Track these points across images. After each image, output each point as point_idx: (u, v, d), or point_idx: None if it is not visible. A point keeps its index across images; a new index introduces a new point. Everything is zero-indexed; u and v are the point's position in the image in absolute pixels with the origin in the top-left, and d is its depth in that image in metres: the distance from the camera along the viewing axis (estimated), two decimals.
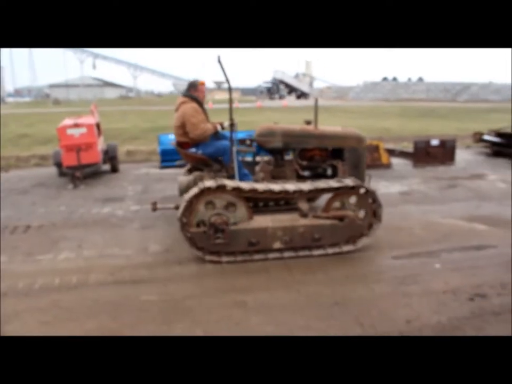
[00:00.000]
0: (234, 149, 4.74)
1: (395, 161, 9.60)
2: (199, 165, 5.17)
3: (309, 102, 39.56)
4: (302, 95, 51.66)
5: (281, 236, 4.31)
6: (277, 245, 4.34)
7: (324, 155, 5.19)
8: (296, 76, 55.60)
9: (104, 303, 3.54)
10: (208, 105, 29.04)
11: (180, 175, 5.43)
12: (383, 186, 7.33)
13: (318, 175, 5.19)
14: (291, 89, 52.06)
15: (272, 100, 44.92)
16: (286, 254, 4.35)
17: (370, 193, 4.40)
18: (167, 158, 9.22)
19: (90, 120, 8.28)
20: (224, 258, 4.26)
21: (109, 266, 4.23)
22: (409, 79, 55.34)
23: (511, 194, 6.87)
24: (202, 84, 5.22)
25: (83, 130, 7.79)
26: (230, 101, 4.65)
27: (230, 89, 4.66)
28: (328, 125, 5.41)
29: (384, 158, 9.15)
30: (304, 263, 4.24)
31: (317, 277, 3.94)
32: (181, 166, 6.22)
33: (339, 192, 4.42)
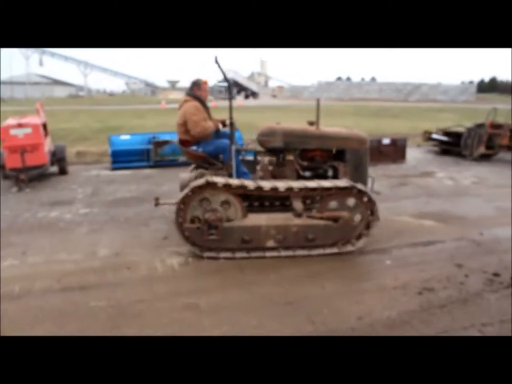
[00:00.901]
0: (233, 147, 4.77)
1: None
2: (200, 163, 5.23)
3: (261, 102, 39.79)
4: (251, 94, 51.51)
5: (274, 234, 4.37)
6: (270, 243, 4.40)
7: (324, 156, 5.16)
8: (252, 75, 55.64)
9: (50, 310, 3.41)
10: (161, 106, 28.74)
11: (181, 172, 5.49)
12: None
13: (318, 176, 5.14)
14: (240, 89, 52.07)
15: (224, 100, 44.77)
16: (283, 253, 4.41)
17: (364, 194, 4.43)
18: (119, 159, 9.06)
19: (35, 120, 7.97)
20: (222, 254, 4.36)
21: (56, 272, 4.08)
22: (363, 79, 56.87)
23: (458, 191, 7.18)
24: (205, 83, 5.29)
25: (28, 130, 7.49)
26: (230, 100, 4.70)
27: (229, 90, 4.77)
28: (331, 126, 5.36)
29: None
30: (257, 263, 4.25)
31: (270, 277, 3.96)
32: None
33: (333, 193, 4.44)
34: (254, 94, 51.67)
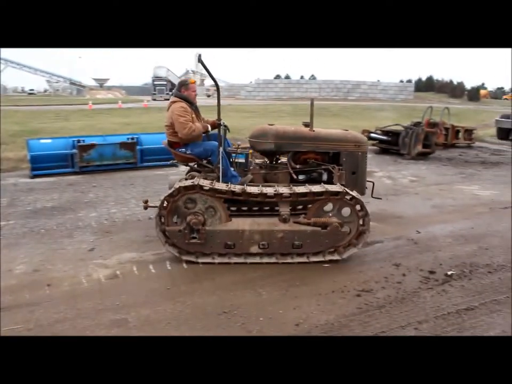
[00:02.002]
0: (221, 149, 4.78)
1: None
2: (190, 165, 5.29)
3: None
4: None
5: (258, 240, 4.37)
6: (255, 249, 4.40)
7: (319, 159, 5.15)
8: (186, 73, 55.10)
9: None
10: (88, 107, 27.86)
11: (171, 174, 5.43)
12: None
13: (312, 179, 5.11)
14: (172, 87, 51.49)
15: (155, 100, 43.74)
16: (265, 259, 4.43)
17: (356, 201, 4.40)
18: (39, 165, 8.66)
19: None
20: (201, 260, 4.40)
21: None
22: (302, 77, 57.98)
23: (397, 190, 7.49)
24: (193, 82, 5.35)
25: None
26: (218, 101, 4.73)
27: (218, 90, 4.73)
28: (330, 128, 5.35)
29: None
30: (189, 272, 4.24)
31: (204, 286, 3.94)
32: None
33: (323, 198, 4.42)
34: None
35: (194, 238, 4.34)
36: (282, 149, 5.09)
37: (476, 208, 6.74)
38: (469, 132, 14.34)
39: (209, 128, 5.22)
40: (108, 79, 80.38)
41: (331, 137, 5.10)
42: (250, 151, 5.26)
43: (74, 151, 8.76)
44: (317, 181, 4.95)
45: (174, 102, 5.11)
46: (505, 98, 59.30)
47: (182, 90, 5.21)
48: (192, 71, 58.83)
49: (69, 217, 5.92)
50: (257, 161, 5.35)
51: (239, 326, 3.30)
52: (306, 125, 5.22)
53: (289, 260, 4.43)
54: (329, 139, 5.07)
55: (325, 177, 5.09)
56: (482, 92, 61.62)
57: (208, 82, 58.41)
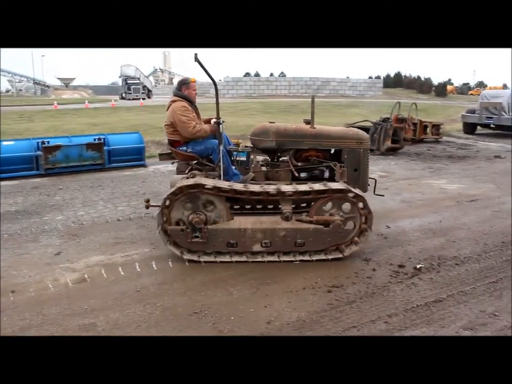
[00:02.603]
0: (221, 147, 4.76)
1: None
2: (192, 164, 5.22)
3: (165, 101, 39.30)
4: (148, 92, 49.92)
5: (261, 238, 4.38)
6: (257, 247, 4.41)
7: (320, 156, 5.14)
8: (154, 72, 54.48)
9: None
10: (53, 107, 27.32)
11: (173, 174, 5.45)
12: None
13: (314, 177, 5.13)
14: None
15: (130, 100, 43.08)
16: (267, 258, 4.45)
17: (359, 199, 4.44)
18: (2, 168, 8.42)
19: None
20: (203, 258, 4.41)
21: None
22: (271, 74, 58.16)
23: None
24: (194, 81, 5.32)
25: None
26: (217, 99, 4.73)
27: (216, 89, 4.70)
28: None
29: None
30: (159, 274, 4.20)
31: (174, 287, 3.92)
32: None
33: (325, 196, 4.45)
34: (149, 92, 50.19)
35: (196, 236, 4.35)
36: (283, 147, 5.10)
37: (443, 202, 6.90)
38: (436, 127, 14.64)
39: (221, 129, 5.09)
40: (74, 79, 78.87)
41: (333, 135, 5.10)
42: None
43: (39, 152, 8.56)
44: (319, 179, 5.02)
45: (174, 101, 5.13)
46: (471, 94, 60.90)
47: (182, 89, 5.23)
48: (160, 69, 58.33)
49: (34, 221, 5.78)
50: (258, 158, 5.37)
51: (210, 326, 3.29)
52: (307, 122, 5.23)
53: (291, 258, 4.45)
54: (330, 136, 5.07)
55: (326, 174, 5.14)
56: (449, 87, 63.04)
57: (177, 80, 57.88)
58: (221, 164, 4.74)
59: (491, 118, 16.47)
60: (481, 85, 75.39)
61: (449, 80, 73.10)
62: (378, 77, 59.55)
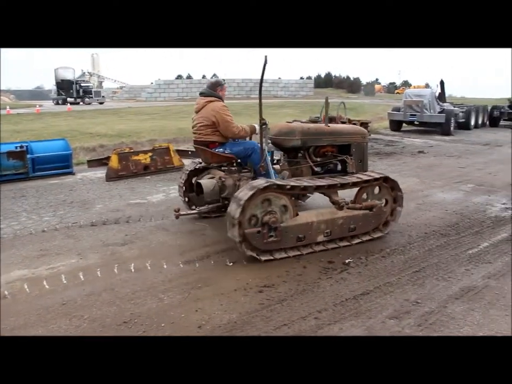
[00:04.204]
0: (265, 147, 4.93)
1: (189, 161, 9.88)
2: (223, 165, 5.43)
3: (93, 106, 38.19)
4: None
5: (323, 229, 4.78)
6: (320, 238, 4.79)
7: (334, 151, 5.70)
8: (83, 75, 52.61)
9: None
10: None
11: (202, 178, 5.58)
12: (175, 190, 7.48)
13: (329, 170, 5.72)
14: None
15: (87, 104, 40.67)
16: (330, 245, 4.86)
17: (393, 183, 5.19)
18: None
19: None
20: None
21: None
22: (204, 77, 57.89)
23: None
24: (225, 82, 5.54)
25: None
26: (260, 100, 4.79)
27: (260, 90, 4.78)
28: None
29: (176, 160, 9.37)
30: (86, 284, 4.06)
31: (102, 297, 3.80)
32: None
33: (370, 184, 5.12)
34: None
35: (271, 236, 4.44)
36: (306, 144, 5.45)
37: None
38: (364, 124, 15.12)
39: (257, 130, 5.24)
40: None
41: (344, 131, 5.71)
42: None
43: None
44: (333, 171, 5.70)
45: (212, 101, 5.16)
46: (397, 93, 63.60)
47: (217, 90, 5.31)
48: (88, 72, 56.49)
49: None
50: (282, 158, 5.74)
51: (140, 334, 3.22)
52: (313, 120, 5.89)
53: (346, 243, 4.94)
54: (343, 133, 5.67)
55: (339, 167, 5.75)
56: (376, 86, 65.72)
57: (108, 84, 56.46)
58: (269, 163, 4.99)
59: (414, 115, 17.35)
60: (406, 84, 78.96)
61: (377, 79, 76.26)
62: (309, 78, 60.86)
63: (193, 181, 5.83)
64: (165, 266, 4.44)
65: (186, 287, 3.98)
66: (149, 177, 8.86)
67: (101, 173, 9.08)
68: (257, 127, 5.24)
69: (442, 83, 19.91)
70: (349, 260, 4.55)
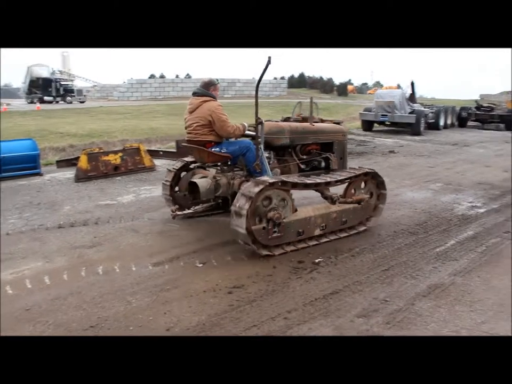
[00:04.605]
0: (261, 146, 5.02)
1: (160, 162, 9.83)
2: (218, 164, 5.51)
3: (61, 105, 37.51)
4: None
5: (320, 222, 4.97)
6: (317, 231, 4.97)
7: (318, 149, 5.93)
8: (53, 73, 51.36)
9: None
10: None
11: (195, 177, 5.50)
12: (145, 190, 7.41)
13: (313, 167, 5.94)
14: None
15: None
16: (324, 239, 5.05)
17: (377, 177, 5.54)
18: None
19: None
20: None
21: None
22: (177, 76, 57.42)
23: None
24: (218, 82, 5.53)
25: None
26: (256, 100, 4.88)
27: (257, 90, 4.84)
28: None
29: (147, 160, 9.27)
30: (52, 288, 3.96)
31: (68, 301, 3.71)
32: None
33: (360, 179, 5.46)
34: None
35: (275, 232, 4.56)
36: (294, 143, 5.68)
37: None
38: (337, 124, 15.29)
39: (246, 129, 5.30)
40: None
41: (327, 130, 6.00)
42: None
43: None
44: (317, 168, 5.92)
45: (207, 101, 5.12)
46: (370, 93, 64.40)
47: (210, 90, 5.26)
48: (59, 71, 55.29)
49: None
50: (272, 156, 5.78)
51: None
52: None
53: (335, 237, 5.15)
54: (326, 131, 5.96)
55: (323, 164, 5.96)
56: (349, 87, 66.15)
57: (79, 83, 55.38)
58: (264, 162, 5.07)
59: (386, 115, 17.57)
60: (378, 84, 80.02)
61: (350, 80, 76.62)
62: (283, 78, 60.92)
63: (180, 180, 5.83)
64: (134, 268, 4.37)
65: (155, 289, 3.93)
66: (119, 177, 8.74)
67: (70, 173, 8.91)
68: (247, 126, 5.34)
69: (413, 84, 20.25)
70: (319, 260, 4.57)
